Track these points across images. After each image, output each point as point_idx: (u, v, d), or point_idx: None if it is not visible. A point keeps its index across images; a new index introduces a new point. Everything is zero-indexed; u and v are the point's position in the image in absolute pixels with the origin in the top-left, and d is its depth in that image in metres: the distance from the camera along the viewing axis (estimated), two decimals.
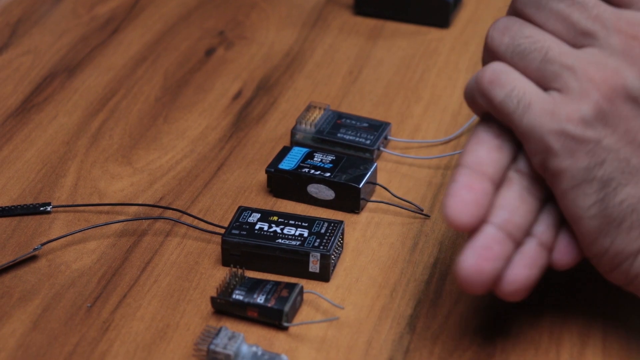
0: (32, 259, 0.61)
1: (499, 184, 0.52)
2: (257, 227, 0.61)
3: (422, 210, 0.66)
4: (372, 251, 0.63)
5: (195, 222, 0.64)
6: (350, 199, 0.65)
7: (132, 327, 0.57)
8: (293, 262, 0.60)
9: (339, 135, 0.70)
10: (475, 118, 0.74)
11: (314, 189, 0.66)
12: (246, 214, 0.62)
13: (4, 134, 0.72)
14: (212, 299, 0.57)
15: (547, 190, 0.53)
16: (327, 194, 0.66)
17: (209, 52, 0.82)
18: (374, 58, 0.82)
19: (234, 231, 0.61)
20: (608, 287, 0.60)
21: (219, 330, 0.54)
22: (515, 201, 0.52)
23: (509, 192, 0.52)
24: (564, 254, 0.53)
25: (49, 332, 0.56)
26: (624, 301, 0.59)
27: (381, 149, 0.70)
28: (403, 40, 0.84)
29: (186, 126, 0.73)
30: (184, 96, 0.77)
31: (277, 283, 0.58)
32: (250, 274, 0.60)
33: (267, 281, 0.58)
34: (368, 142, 0.70)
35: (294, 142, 0.70)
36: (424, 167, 0.70)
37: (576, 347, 0.56)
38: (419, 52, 0.83)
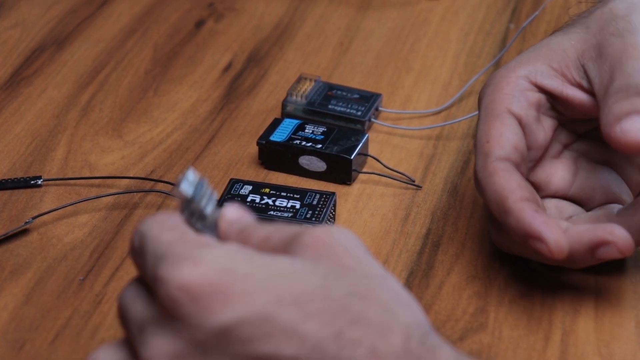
0: (23, 232, 0.61)
1: None
2: (249, 199, 0.61)
3: (414, 181, 0.66)
4: (364, 222, 0.63)
5: None
6: (341, 171, 0.65)
7: None
8: None
9: (330, 106, 0.70)
10: (466, 88, 0.74)
11: (305, 161, 0.66)
12: (238, 186, 0.62)
13: None
14: None
15: None
16: (319, 165, 0.66)
17: (199, 24, 0.81)
18: (364, 29, 0.81)
19: (225, 204, 0.61)
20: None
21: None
22: None
23: None
24: None
25: (42, 306, 0.56)
26: (616, 270, 0.59)
27: (372, 120, 0.70)
28: (393, 11, 0.84)
29: (177, 99, 0.73)
30: (174, 68, 0.76)
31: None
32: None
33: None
34: (359, 113, 0.70)
35: (285, 114, 0.70)
36: (415, 138, 0.70)
37: (568, 316, 0.56)
38: (409, 22, 0.82)
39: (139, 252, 0.44)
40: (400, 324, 0.41)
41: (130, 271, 0.59)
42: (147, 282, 0.44)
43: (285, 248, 0.43)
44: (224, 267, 0.41)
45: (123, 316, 0.44)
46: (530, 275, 0.59)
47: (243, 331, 0.40)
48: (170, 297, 0.41)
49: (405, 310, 0.42)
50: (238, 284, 0.41)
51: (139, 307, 0.43)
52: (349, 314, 0.41)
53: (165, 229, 0.44)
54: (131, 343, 0.43)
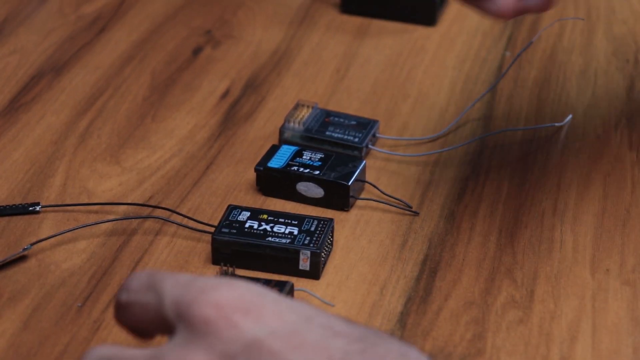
0: (21, 259, 0.61)
1: None
2: (247, 225, 0.61)
3: (411, 208, 0.66)
4: (362, 248, 0.63)
5: (185, 221, 0.64)
6: (339, 197, 0.66)
7: None
8: (283, 260, 0.60)
9: (327, 133, 0.70)
10: (462, 115, 0.74)
11: (303, 187, 0.66)
12: (236, 213, 0.62)
13: None
14: None
15: None
16: (316, 191, 0.66)
17: (196, 51, 0.82)
18: (361, 56, 0.82)
19: (223, 230, 0.61)
20: (597, 279, 0.61)
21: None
22: None
23: None
24: None
25: (40, 332, 0.56)
26: (613, 295, 0.60)
27: (369, 146, 0.71)
28: (390, 39, 0.84)
29: (174, 125, 0.73)
30: (172, 95, 0.77)
31: (268, 281, 0.58)
32: (241, 272, 0.60)
33: (258, 279, 0.58)
34: (356, 139, 0.70)
35: (283, 141, 0.71)
36: (412, 165, 0.70)
37: (566, 343, 0.57)
38: (405, 50, 0.83)
39: (143, 289, 0.44)
40: (416, 351, 0.42)
41: None
42: (151, 321, 0.43)
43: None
44: (256, 291, 0.43)
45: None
46: (527, 301, 0.59)
47: (274, 344, 0.41)
48: (205, 315, 0.42)
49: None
50: (270, 304, 0.43)
51: (133, 349, 0.43)
52: (370, 340, 0.42)
53: (177, 273, 0.44)
54: None
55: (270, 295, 0.43)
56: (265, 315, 0.42)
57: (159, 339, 0.47)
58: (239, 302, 0.42)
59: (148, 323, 0.44)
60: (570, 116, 0.75)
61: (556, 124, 0.75)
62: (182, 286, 0.43)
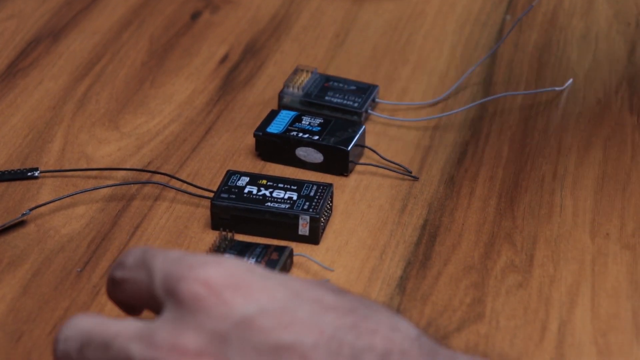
0: (20, 224, 0.61)
1: None
2: (246, 190, 0.61)
3: (411, 172, 0.66)
4: (361, 213, 0.63)
5: (184, 186, 0.64)
6: (338, 162, 0.65)
7: None
8: (282, 225, 0.60)
9: (326, 98, 0.70)
10: (462, 79, 0.74)
11: (302, 152, 0.66)
12: (235, 178, 0.62)
13: None
14: None
15: None
16: (316, 157, 0.66)
17: (195, 15, 0.81)
18: (360, 21, 0.81)
19: (223, 195, 0.61)
20: (596, 244, 0.61)
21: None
22: None
23: None
24: None
25: (39, 297, 0.56)
26: (612, 259, 0.60)
27: (369, 111, 0.70)
28: (390, 3, 0.84)
29: (173, 90, 0.73)
30: (170, 60, 0.76)
31: (267, 246, 0.58)
32: (240, 237, 0.60)
33: (257, 244, 0.58)
34: (356, 104, 0.70)
35: (282, 106, 0.70)
36: (412, 129, 0.70)
37: (565, 306, 0.57)
38: (405, 14, 0.82)
39: (136, 266, 0.44)
40: (406, 323, 0.42)
41: None
42: (141, 298, 0.43)
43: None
44: (244, 268, 0.43)
45: (100, 339, 0.42)
46: (527, 265, 0.59)
47: (265, 321, 0.41)
48: (193, 291, 0.41)
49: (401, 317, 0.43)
50: (259, 281, 0.42)
51: (121, 321, 0.43)
52: (360, 312, 0.42)
53: (169, 249, 0.44)
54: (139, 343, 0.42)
55: (258, 272, 0.43)
56: (255, 292, 0.42)
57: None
58: (228, 279, 0.42)
59: (138, 300, 0.44)
60: (570, 80, 0.75)
61: (556, 88, 0.74)
62: (171, 263, 0.43)
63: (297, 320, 0.41)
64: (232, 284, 0.42)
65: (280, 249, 0.58)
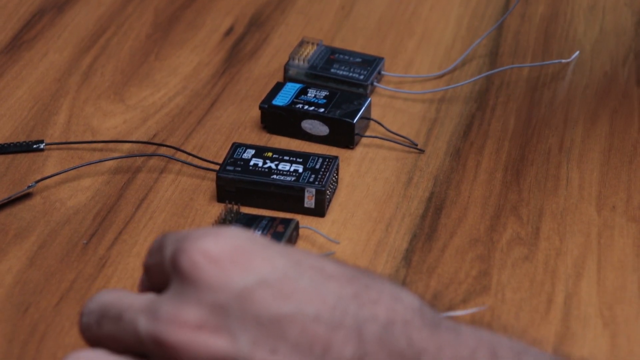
0: (26, 196, 0.61)
1: None
2: (251, 163, 0.61)
3: (417, 145, 0.66)
4: (367, 186, 0.63)
5: (190, 159, 0.64)
6: (344, 135, 0.65)
7: (128, 264, 0.57)
8: (288, 197, 0.60)
9: (332, 70, 0.70)
10: (468, 52, 0.74)
11: (308, 125, 0.66)
12: (240, 150, 0.62)
13: None
14: None
15: None
16: (321, 129, 0.66)
17: None
18: None
19: (228, 167, 0.61)
20: (602, 216, 0.61)
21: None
22: None
23: None
24: None
25: (46, 269, 0.56)
26: (618, 231, 0.59)
27: (375, 84, 0.70)
28: None
29: (178, 63, 0.73)
30: (175, 33, 0.76)
31: (273, 219, 0.58)
32: (246, 210, 0.60)
33: (263, 217, 0.58)
34: (361, 77, 0.69)
35: (287, 78, 0.70)
36: (417, 102, 0.70)
37: (571, 279, 0.57)
38: None
39: (156, 250, 0.44)
40: (408, 293, 0.42)
41: (133, 234, 0.59)
42: (162, 283, 0.43)
43: None
44: (243, 237, 0.42)
45: (115, 311, 0.43)
46: (533, 238, 0.59)
47: (265, 292, 0.40)
48: (192, 262, 0.41)
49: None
50: (259, 250, 0.42)
51: (134, 295, 0.43)
52: (361, 281, 0.42)
53: (181, 230, 0.44)
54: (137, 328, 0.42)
55: (259, 241, 0.42)
56: (255, 261, 0.41)
57: None
58: (228, 249, 0.41)
59: (161, 283, 0.44)
60: (577, 52, 0.74)
61: (563, 61, 0.74)
62: (177, 240, 0.43)
63: (298, 289, 0.41)
64: (232, 254, 0.41)
65: (286, 222, 0.58)
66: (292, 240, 0.58)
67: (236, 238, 0.42)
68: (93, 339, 0.43)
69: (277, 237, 0.57)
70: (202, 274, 0.41)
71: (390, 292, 0.42)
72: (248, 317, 0.40)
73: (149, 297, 0.42)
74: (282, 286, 0.41)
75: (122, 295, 0.43)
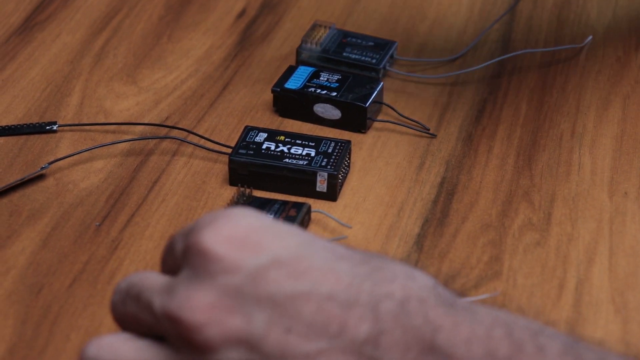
0: (39, 177, 0.61)
1: None
2: (264, 146, 0.61)
3: (429, 130, 0.66)
4: (379, 170, 0.63)
5: (202, 142, 0.64)
6: (356, 119, 0.65)
7: (141, 246, 0.57)
8: (300, 181, 0.60)
9: (344, 54, 0.70)
10: (481, 36, 0.74)
11: (320, 109, 0.66)
12: (253, 134, 0.62)
13: (7, 52, 0.71)
14: None
15: None
16: (333, 113, 0.66)
17: None
18: None
19: (240, 151, 0.61)
20: (614, 202, 0.61)
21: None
22: None
23: None
24: None
25: (59, 251, 0.56)
26: (630, 217, 0.59)
27: (387, 68, 0.70)
28: None
29: (190, 45, 0.73)
30: (188, 15, 0.76)
31: (285, 202, 0.58)
32: (258, 193, 0.60)
33: (275, 200, 0.58)
34: (374, 61, 0.69)
35: (300, 62, 0.70)
36: (430, 86, 0.70)
37: (583, 265, 0.57)
38: None
39: (170, 249, 0.44)
40: (421, 272, 0.42)
41: (146, 217, 0.59)
42: (175, 264, 0.43)
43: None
44: (254, 217, 0.42)
45: (136, 290, 0.43)
46: (546, 224, 0.59)
47: (279, 271, 0.40)
48: (204, 246, 0.41)
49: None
50: (269, 230, 0.42)
51: (155, 276, 0.43)
52: (373, 263, 0.42)
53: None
54: (155, 311, 0.42)
55: (269, 222, 0.42)
56: (267, 241, 0.41)
57: None
58: (240, 230, 0.41)
59: (177, 267, 0.44)
60: (590, 37, 0.74)
61: (576, 46, 0.74)
62: (189, 228, 0.43)
63: (312, 268, 0.41)
64: (244, 235, 0.41)
65: (298, 206, 0.58)
66: (304, 224, 0.58)
67: (247, 218, 0.42)
68: (119, 318, 0.44)
69: (289, 220, 0.57)
70: (214, 256, 0.41)
71: (404, 271, 0.42)
72: (262, 297, 0.40)
73: (166, 279, 0.43)
74: (295, 265, 0.41)
75: (145, 277, 0.43)
